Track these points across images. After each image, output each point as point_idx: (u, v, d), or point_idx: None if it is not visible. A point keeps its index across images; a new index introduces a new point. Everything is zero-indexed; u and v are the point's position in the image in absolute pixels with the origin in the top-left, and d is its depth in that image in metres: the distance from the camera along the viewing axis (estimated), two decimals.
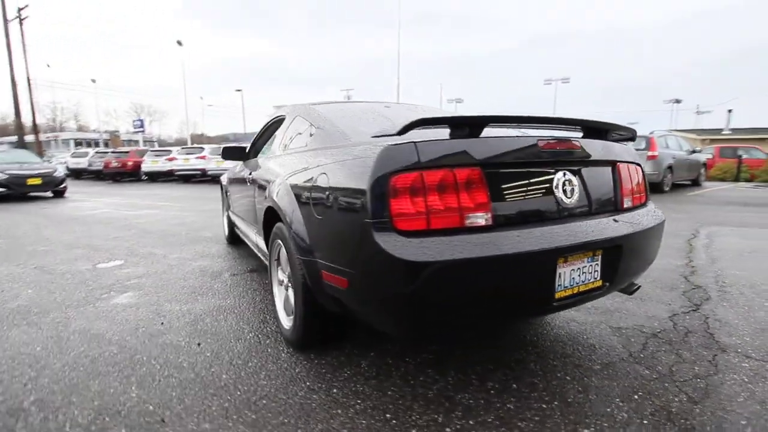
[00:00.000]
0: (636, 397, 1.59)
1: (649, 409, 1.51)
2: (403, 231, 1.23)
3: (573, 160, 1.56)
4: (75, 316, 2.43)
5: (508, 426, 1.41)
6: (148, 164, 16.56)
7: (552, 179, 1.49)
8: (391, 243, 1.20)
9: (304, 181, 1.67)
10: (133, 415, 1.50)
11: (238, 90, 42.18)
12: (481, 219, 1.31)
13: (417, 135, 1.34)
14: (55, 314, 2.46)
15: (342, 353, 1.93)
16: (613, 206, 1.70)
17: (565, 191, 1.51)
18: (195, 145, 17.94)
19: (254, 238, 2.72)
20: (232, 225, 4.07)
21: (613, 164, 1.74)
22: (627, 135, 1.83)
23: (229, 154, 3.36)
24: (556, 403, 1.55)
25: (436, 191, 1.26)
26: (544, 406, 1.53)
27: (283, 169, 2.02)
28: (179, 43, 26.26)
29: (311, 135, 1.99)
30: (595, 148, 1.65)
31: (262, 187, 2.28)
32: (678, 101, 38.84)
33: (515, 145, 1.42)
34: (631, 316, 2.34)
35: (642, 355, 1.90)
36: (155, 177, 16.91)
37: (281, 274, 2.15)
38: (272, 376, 1.75)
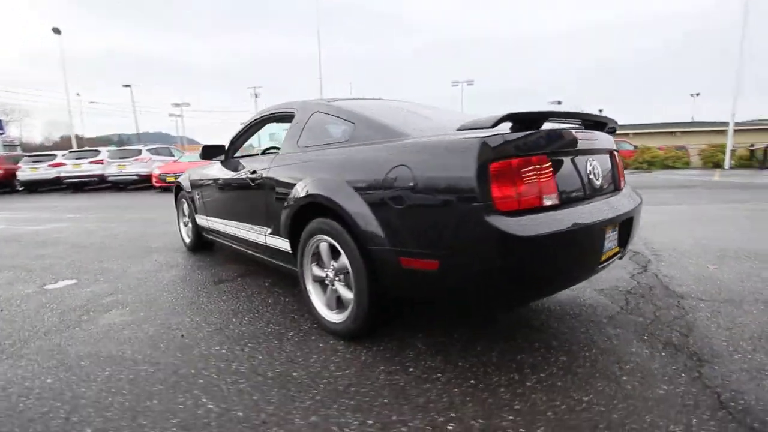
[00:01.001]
0: (645, 337, 1.98)
1: (659, 345, 1.90)
2: (503, 212, 1.41)
3: (594, 149, 1.88)
4: (65, 341, 2.11)
5: (570, 372, 1.68)
6: (26, 172, 14.00)
7: (585, 165, 1.79)
8: (501, 222, 1.37)
9: (371, 175, 1.74)
10: (229, 424, 1.43)
11: (126, 86, 37.37)
12: (552, 199, 1.55)
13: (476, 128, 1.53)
14: (38, 342, 2.11)
15: (392, 338, 2.03)
16: (614, 186, 2.08)
17: (594, 175, 1.82)
18: (89, 148, 15.63)
19: (259, 239, 2.63)
20: (199, 231, 3.79)
21: (610, 152, 2.11)
22: (613, 127, 2.23)
23: (211, 153, 3.15)
24: (594, 350, 1.86)
25: (523, 176, 1.46)
26: (586, 353, 1.84)
27: (324, 164, 2.03)
28: (56, 31, 22.35)
29: (350, 130, 2.03)
30: (601, 138, 2.00)
31: (287, 185, 2.24)
32: (560, 102, 44.77)
33: (563, 136, 1.69)
34: (605, 280, 2.81)
35: (630, 308, 2.34)
36: (35, 187, 14.37)
37: (319, 271, 2.15)
38: (343, 367, 1.78)
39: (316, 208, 2.07)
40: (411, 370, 1.75)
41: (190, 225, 4.02)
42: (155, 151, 13.86)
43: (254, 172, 2.60)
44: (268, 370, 1.78)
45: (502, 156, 1.43)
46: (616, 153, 2.17)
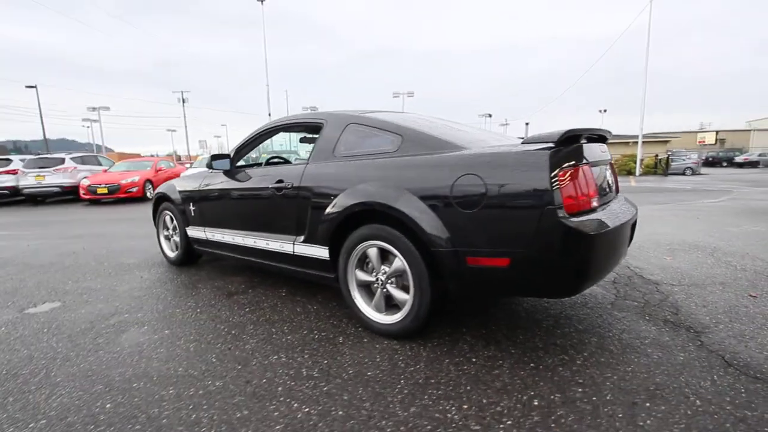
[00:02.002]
0: (647, 318, 2.35)
1: (660, 323, 2.28)
2: (570, 213, 1.65)
3: (605, 159, 2.22)
4: (97, 365, 1.95)
5: (606, 350, 1.96)
6: None
7: (604, 173, 2.12)
8: (572, 222, 1.60)
9: (436, 183, 1.88)
10: (336, 423, 1.48)
11: (31, 86, 32.94)
12: (595, 202, 1.83)
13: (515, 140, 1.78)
14: (65, 369, 1.92)
15: (440, 335, 2.18)
16: (614, 193, 2.45)
17: (607, 181, 2.15)
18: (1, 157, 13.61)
19: (284, 248, 2.62)
20: (189, 244, 3.61)
21: (609, 162, 2.49)
22: (607, 138, 2.61)
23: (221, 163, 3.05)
24: (614, 330, 2.18)
25: (580, 182, 1.72)
26: (610, 334, 2.15)
27: (375, 173, 2.12)
28: None
29: (398, 142, 2.16)
30: (606, 150, 2.35)
31: (328, 194, 2.29)
32: (490, 115, 48.21)
33: (595, 149, 1.99)
34: None
35: (624, 295, 2.73)
36: None
37: (364, 276, 2.24)
38: (411, 363, 1.90)
39: (364, 215, 2.16)
40: (474, 360, 1.92)
41: (175, 239, 3.80)
42: (81, 160, 12.49)
43: (280, 181, 2.60)
44: (342, 372, 1.83)
45: (567, 165, 1.68)
46: (611, 162, 2.55)
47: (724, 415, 1.47)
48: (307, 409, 1.57)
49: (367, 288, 2.30)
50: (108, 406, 1.63)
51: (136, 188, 11.09)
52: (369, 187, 2.11)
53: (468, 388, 1.69)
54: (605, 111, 44.09)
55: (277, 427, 1.47)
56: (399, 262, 2.05)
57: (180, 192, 3.57)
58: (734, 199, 8.60)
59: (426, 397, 1.63)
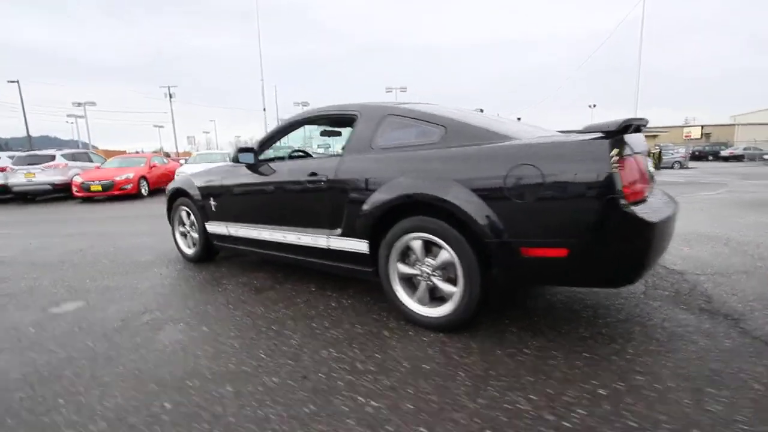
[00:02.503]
0: (682, 306, 2.38)
1: (696, 311, 2.31)
2: (630, 202, 1.65)
3: (646, 150, 2.24)
4: (143, 364, 1.91)
5: (653, 339, 1.98)
6: None
7: (647, 163, 2.13)
8: (635, 210, 1.62)
9: (488, 173, 1.87)
10: (408, 416, 1.47)
11: (13, 81, 31.90)
12: (646, 191, 1.84)
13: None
14: (109, 369, 1.87)
15: (485, 327, 2.18)
16: (653, 183, 2.46)
17: (650, 173, 2.17)
18: None
19: (317, 242, 2.58)
20: (208, 240, 3.54)
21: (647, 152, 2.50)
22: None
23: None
24: (654, 320, 2.21)
25: (635, 171, 1.73)
26: (652, 323, 2.17)
27: (420, 165, 2.10)
28: None
29: (441, 133, 2.14)
30: (644, 140, 2.37)
31: (368, 186, 2.27)
32: (482, 110, 48.43)
33: (641, 139, 2.00)
34: None
35: (653, 285, 2.77)
36: None
37: (406, 268, 2.22)
38: (464, 355, 1.89)
39: (408, 207, 2.14)
40: (526, 351, 1.92)
41: (192, 234, 3.73)
42: (71, 157, 12.15)
43: (313, 174, 2.56)
44: (398, 366, 1.82)
45: (626, 154, 1.69)
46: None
47: None
48: (374, 403, 1.55)
49: (408, 281, 2.28)
50: (167, 405, 1.59)
51: (131, 185, 10.85)
52: (415, 179, 2.09)
53: (530, 378, 1.69)
54: (594, 106, 44.61)
55: (349, 421, 1.46)
56: (446, 254, 2.04)
57: (199, 187, 3.49)
58: (731, 192, 8.80)
59: (490, 388, 1.63)
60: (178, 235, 3.93)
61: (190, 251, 3.79)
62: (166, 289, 3.02)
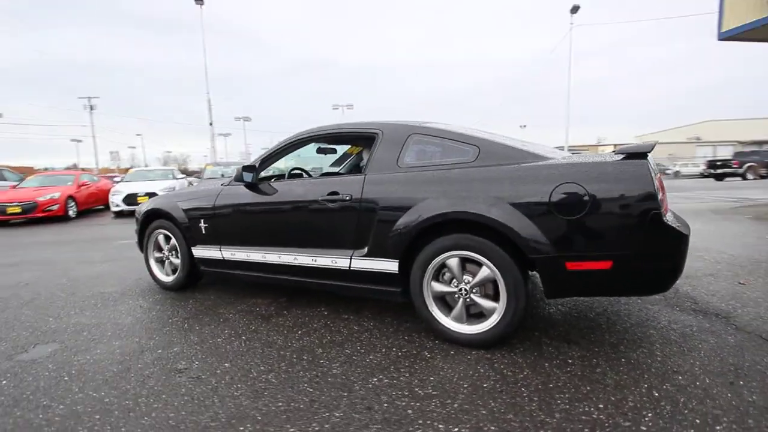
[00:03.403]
0: (677, 309, 2.63)
1: (690, 312, 2.56)
2: (664, 216, 1.81)
3: None
4: (175, 415, 1.67)
5: (666, 338, 2.17)
6: None
7: None
8: (672, 224, 1.77)
9: (532, 191, 1.94)
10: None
11: None
12: (665, 206, 2.03)
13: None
14: (138, 423, 1.61)
15: (522, 341, 2.23)
16: None
17: None
18: None
19: (337, 264, 2.48)
20: (194, 266, 3.25)
21: None
22: None
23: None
24: (662, 323, 2.41)
25: (662, 189, 1.90)
26: (659, 326, 2.37)
27: (457, 183, 2.13)
28: None
29: (474, 152, 2.19)
30: None
31: (399, 205, 2.24)
32: None
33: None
34: None
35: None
36: None
37: (441, 287, 2.21)
38: (517, 370, 1.92)
39: (444, 226, 2.15)
40: (570, 361, 1.99)
41: (172, 260, 3.39)
42: None
43: (334, 193, 2.47)
44: (459, 387, 1.79)
45: (658, 173, 1.86)
46: None
47: None
48: (456, 429, 1.51)
49: (441, 299, 2.27)
50: None
51: (57, 206, 9.63)
52: (455, 198, 2.11)
53: (588, 387, 1.75)
54: (525, 126, 48.41)
55: None
56: (486, 270, 2.07)
57: (186, 209, 3.20)
58: None
59: (558, 401, 1.66)
60: (153, 262, 3.55)
61: (168, 279, 3.44)
62: (156, 323, 2.70)
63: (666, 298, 2.85)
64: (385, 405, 1.67)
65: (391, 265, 2.32)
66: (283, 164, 3.39)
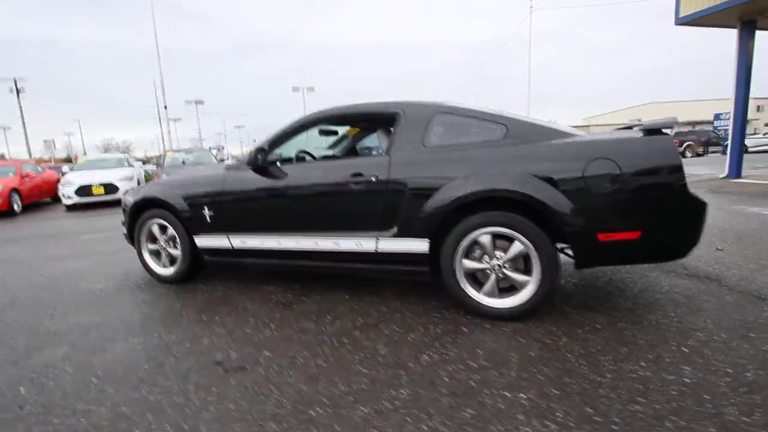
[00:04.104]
0: (672, 274, 2.87)
1: (685, 277, 2.81)
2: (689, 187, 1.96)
3: None
4: (248, 404, 1.62)
5: (676, 301, 2.37)
6: None
7: None
8: (696, 195, 1.91)
9: (566, 167, 2.02)
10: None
11: None
12: None
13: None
14: (208, 410, 1.54)
15: (548, 312, 2.34)
16: None
17: None
18: None
19: (362, 246, 2.46)
20: (197, 255, 3.09)
21: None
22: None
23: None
24: (665, 288, 2.63)
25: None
26: (664, 291, 2.58)
27: (489, 161, 2.16)
28: None
29: (502, 131, 2.23)
30: None
31: (429, 184, 2.25)
32: None
33: None
34: None
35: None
36: None
37: (473, 263, 2.26)
38: (553, 337, 2.02)
39: (476, 203, 2.19)
40: (599, 327, 2.12)
41: (171, 251, 3.21)
42: None
43: (357, 174, 2.43)
44: (509, 358, 1.86)
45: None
46: None
47: None
48: (524, 395, 1.58)
49: (470, 276, 2.33)
50: None
51: (0, 200, 8.71)
52: (489, 176, 2.15)
53: (624, 349, 1.88)
54: None
55: (519, 416, 1.46)
56: (518, 245, 2.15)
57: (186, 195, 3.02)
58: None
59: (605, 363, 1.77)
60: (147, 255, 3.33)
61: (167, 270, 3.25)
62: (170, 316, 2.56)
63: (659, 266, 3.09)
64: (446, 379, 1.72)
65: (421, 245, 2.34)
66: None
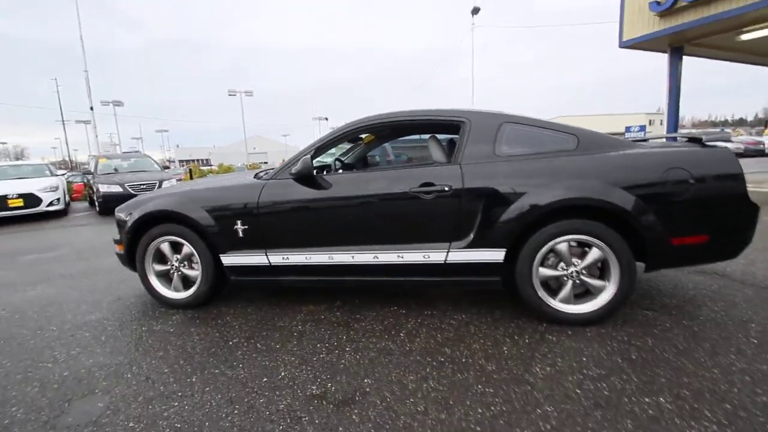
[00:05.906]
0: (686, 272, 3.17)
1: (697, 274, 3.12)
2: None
3: None
4: None
5: (704, 296, 2.62)
6: None
7: None
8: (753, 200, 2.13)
9: (644, 176, 2.14)
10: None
11: None
12: None
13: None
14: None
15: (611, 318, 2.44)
16: None
17: None
18: None
19: (430, 258, 2.37)
20: (221, 276, 2.75)
21: None
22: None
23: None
24: (689, 286, 2.89)
25: None
26: (689, 286, 2.84)
27: (567, 171, 2.21)
28: None
29: (574, 141, 2.30)
30: None
31: (508, 193, 2.23)
32: (326, 119, 49.34)
33: None
34: None
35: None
36: None
37: (548, 271, 2.29)
38: (634, 339, 2.11)
39: (555, 213, 2.22)
40: (659, 324, 2.27)
41: (186, 272, 2.81)
42: None
43: (427, 184, 2.34)
44: (615, 364, 1.90)
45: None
46: None
47: None
48: (649, 399, 1.61)
49: (544, 284, 2.35)
50: None
51: None
52: (570, 185, 2.19)
53: (708, 345, 2.03)
54: None
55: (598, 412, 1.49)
56: (597, 252, 2.22)
57: (212, 208, 2.66)
58: None
59: (700, 358, 1.89)
60: (154, 278, 2.88)
61: (181, 294, 2.84)
62: (216, 349, 2.23)
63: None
64: (578, 391, 1.70)
65: (496, 255, 2.31)
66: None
